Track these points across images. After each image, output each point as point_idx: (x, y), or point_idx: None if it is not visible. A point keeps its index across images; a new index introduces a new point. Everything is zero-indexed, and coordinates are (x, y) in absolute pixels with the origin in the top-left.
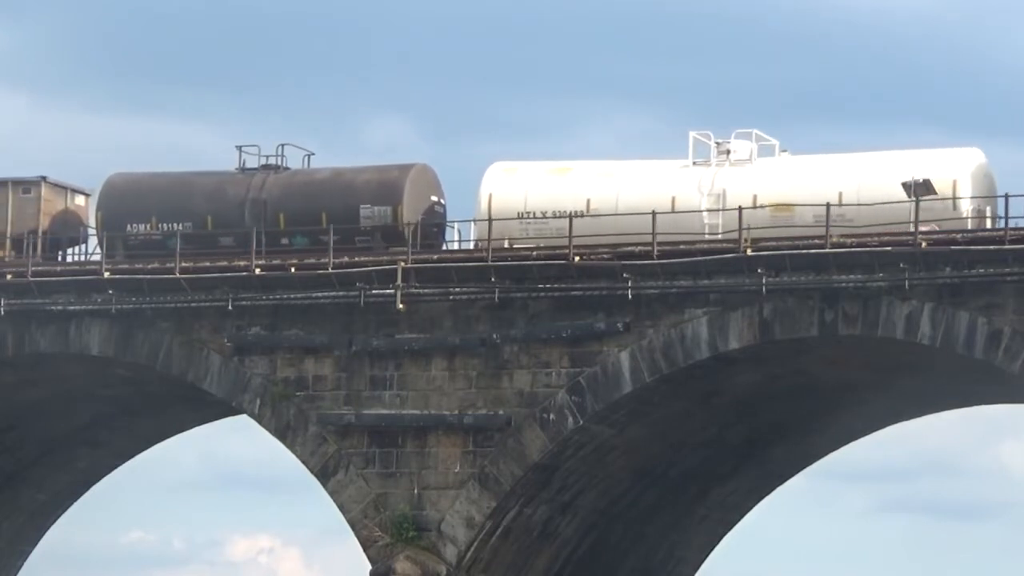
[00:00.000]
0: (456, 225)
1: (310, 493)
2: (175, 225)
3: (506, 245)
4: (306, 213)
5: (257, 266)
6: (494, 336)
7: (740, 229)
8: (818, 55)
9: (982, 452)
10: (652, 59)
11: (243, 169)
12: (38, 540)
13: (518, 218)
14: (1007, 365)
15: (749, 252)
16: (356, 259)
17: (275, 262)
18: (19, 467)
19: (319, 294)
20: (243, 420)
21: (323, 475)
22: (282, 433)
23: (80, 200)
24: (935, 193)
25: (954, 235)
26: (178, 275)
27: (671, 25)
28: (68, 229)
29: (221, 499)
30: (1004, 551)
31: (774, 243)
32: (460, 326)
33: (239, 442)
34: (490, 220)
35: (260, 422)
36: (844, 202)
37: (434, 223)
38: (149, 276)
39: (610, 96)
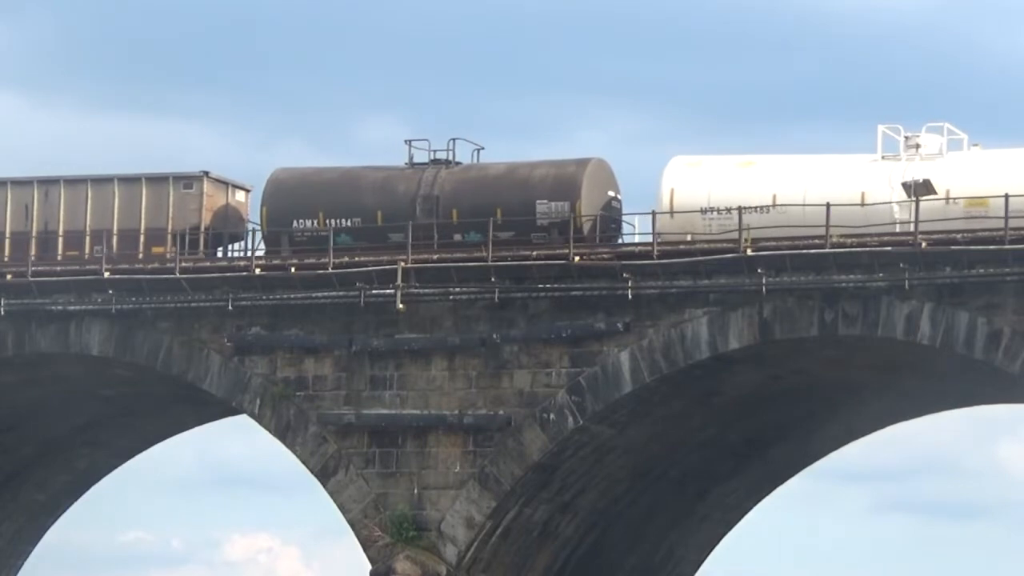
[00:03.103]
0: (636, 220)
1: (310, 493)
2: (343, 221)
3: (688, 239)
4: (480, 208)
5: (257, 266)
6: (494, 336)
7: (740, 229)
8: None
9: (982, 452)
10: (647, 59)
11: (412, 164)
12: (38, 540)
13: (701, 213)
14: (1007, 365)
15: (749, 252)
16: (356, 259)
17: (275, 262)
18: (19, 467)
19: (319, 294)
20: (243, 420)
21: (323, 475)
22: (282, 433)
23: (241, 196)
24: (935, 193)
25: (954, 235)
26: (178, 275)
27: (667, 25)
28: (229, 225)
29: (220, 499)
30: (1003, 551)
31: (774, 243)
32: (460, 326)
33: (238, 442)
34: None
35: (260, 422)
36: None
37: (611, 219)
38: (149, 276)
39: (604, 95)
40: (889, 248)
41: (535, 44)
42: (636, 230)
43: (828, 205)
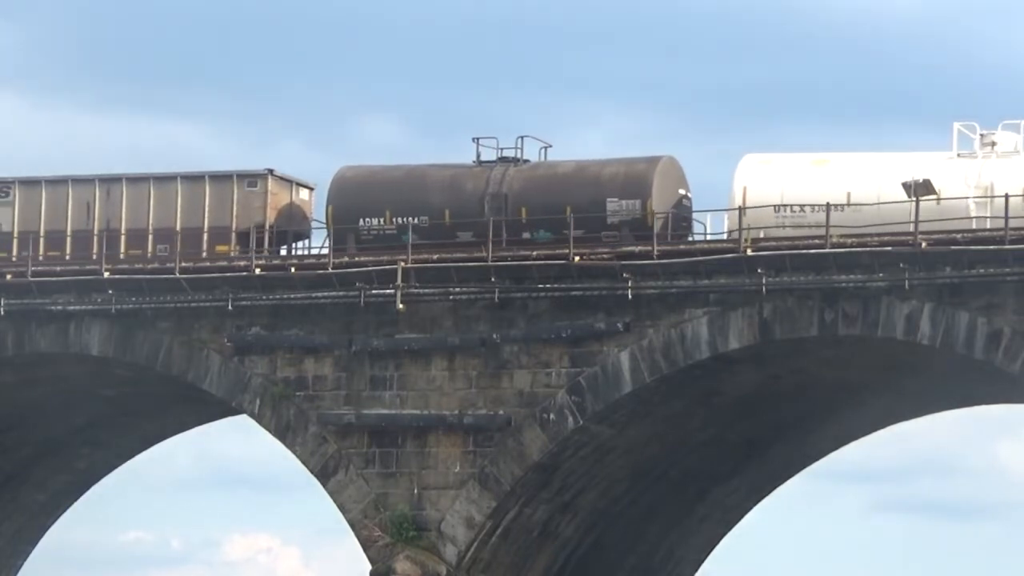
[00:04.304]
0: (709, 216)
1: (310, 493)
2: (410, 219)
3: (761, 236)
4: (549, 207)
5: (257, 266)
6: (494, 336)
7: (740, 228)
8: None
9: (981, 452)
10: (646, 59)
11: (480, 162)
12: (38, 540)
13: (774, 209)
14: (1007, 365)
15: (749, 252)
16: (356, 259)
17: (275, 262)
18: (19, 467)
19: (319, 294)
20: (243, 420)
21: (323, 475)
22: (282, 433)
23: (304, 194)
24: (935, 193)
25: (954, 235)
26: (178, 275)
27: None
28: (293, 223)
29: (220, 499)
30: (1003, 551)
31: (774, 243)
32: (460, 326)
33: (238, 442)
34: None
35: (260, 422)
36: None
37: (682, 217)
38: (149, 276)
39: (600, 96)
40: (889, 248)
41: (535, 44)
42: (708, 227)
43: (828, 205)
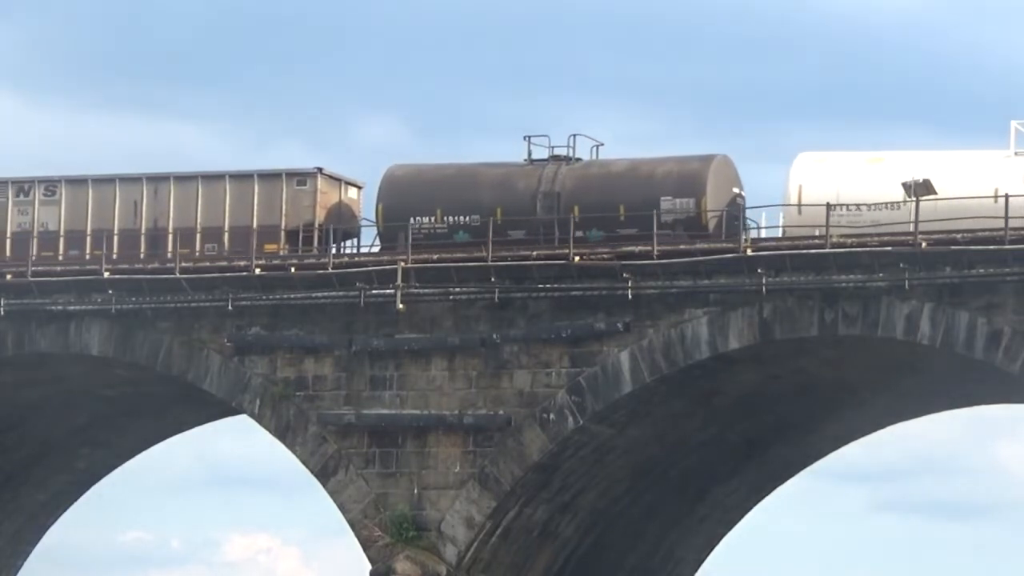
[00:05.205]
0: (763, 215)
1: (310, 493)
2: (462, 218)
3: (816, 234)
4: (602, 205)
5: (257, 266)
6: (494, 336)
7: (741, 228)
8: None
9: (981, 452)
10: (645, 59)
11: (531, 160)
12: (38, 540)
13: (830, 208)
14: (1007, 365)
15: (749, 252)
16: (356, 259)
17: (275, 262)
18: (19, 467)
19: (319, 294)
20: (243, 420)
21: (323, 475)
22: (282, 433)
23: (353, 192)
24: (935, 193)
25: (954, 235)
26: (178, 275)
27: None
28: (342, 222)
29: (220, 499)
30: (1003, 551)
31: (774, 243)
32: (460, 326)
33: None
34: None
35: (260, 422)
36: None
37: (735, 215)
38: (149, 276)
39: (602, 96)
40: (889, 248)
41: (534, 44)
42: (763, 224)
43: (828, 205)
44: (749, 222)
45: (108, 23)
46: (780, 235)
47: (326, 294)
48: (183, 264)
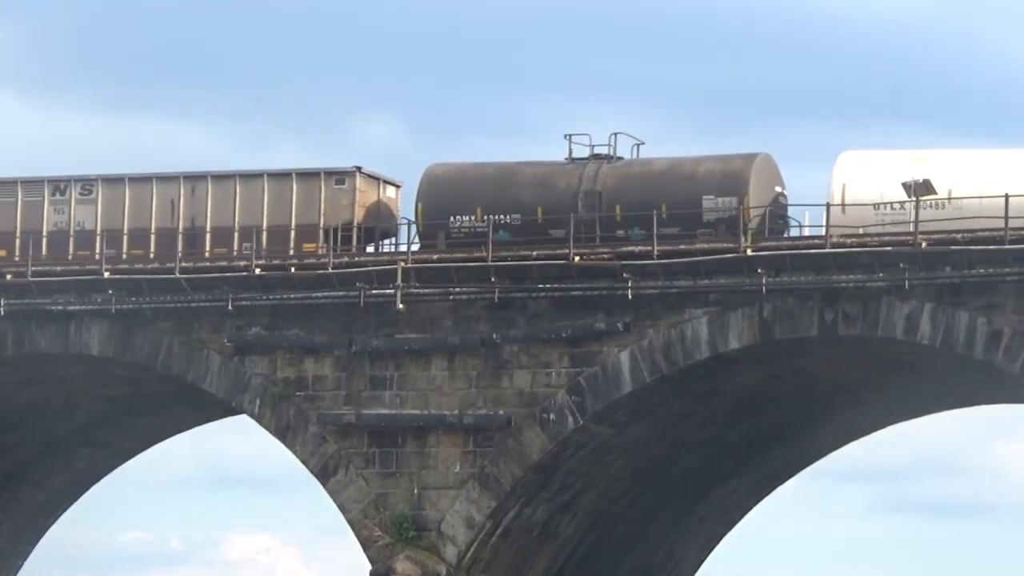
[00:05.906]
0: (807, 213)
1: (310, 493)
2: (502, 217)
3: (860, 233)
4: (644, 204)
5: (257, 266)
6: (494, 336)
7: (741, 228)
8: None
9: (981, 452)
10: (644, 59)
11: (572, 159)
12: (38, 540)
13: (874, 207)
14: (1007, 365)
15: (749, 252)
16: (356, 259)
17: (275, 262)
18: (19, 467)
19: (319, 294)
20: (243, 420)
21: (323, 475)
22: (282, 433)
23: (391, 191)
24: (935, 193)
25: (954, 235)
26: (178, 275)
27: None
28: (381, 221)
29: (220, 499)
30: (1002, 551)
31: (774, 243)
32: (460, 326)
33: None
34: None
35: (260, 422)
36: None
37: (779, 215)
38: (149, 276)
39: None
40: (889, 248)
41: (533, 44)
42: (807, 222)
43: (828, 205)
44: (792, 220)
45: (107, 23)
46: (823, 234)
47: (326, 294)
48: (183, 264)
